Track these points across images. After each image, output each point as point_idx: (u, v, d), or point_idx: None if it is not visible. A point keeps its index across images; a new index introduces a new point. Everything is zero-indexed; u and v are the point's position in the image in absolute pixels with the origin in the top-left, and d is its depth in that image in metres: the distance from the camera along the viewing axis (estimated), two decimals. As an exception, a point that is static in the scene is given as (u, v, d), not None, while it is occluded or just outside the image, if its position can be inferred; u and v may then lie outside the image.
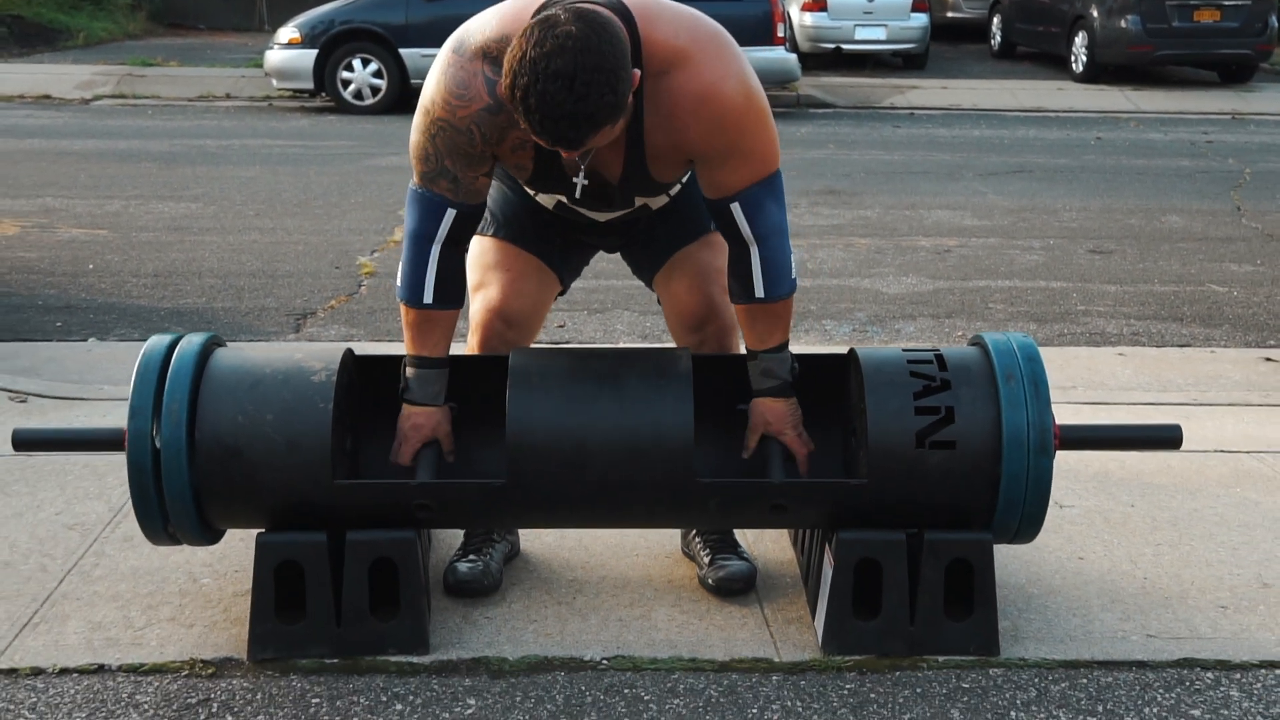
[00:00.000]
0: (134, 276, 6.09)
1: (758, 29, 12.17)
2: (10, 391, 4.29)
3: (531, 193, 2.74)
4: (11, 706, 2.37)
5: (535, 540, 3.08)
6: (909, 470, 2.51)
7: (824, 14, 15.93)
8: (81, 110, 12.70)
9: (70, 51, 16.95)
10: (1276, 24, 15.07)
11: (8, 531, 3.11)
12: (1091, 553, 3.07)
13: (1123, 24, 14.76)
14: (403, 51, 12.37)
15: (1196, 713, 2.39)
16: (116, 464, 3.53)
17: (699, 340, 2.85)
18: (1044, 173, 9.54)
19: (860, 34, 15.91)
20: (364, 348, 3.79)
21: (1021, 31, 17.32)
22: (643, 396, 2.54)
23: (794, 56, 13.18)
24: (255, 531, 2.65)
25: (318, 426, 2.48)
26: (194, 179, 8.68)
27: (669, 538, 3.09)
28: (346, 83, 12.47)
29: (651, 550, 3.05)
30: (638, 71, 2.28)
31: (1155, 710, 2.40)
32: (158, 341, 2.58)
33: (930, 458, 2.50)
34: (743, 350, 2.78)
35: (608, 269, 5.59)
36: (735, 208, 2.50)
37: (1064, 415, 4.16)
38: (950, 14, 19.19)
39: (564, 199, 2.65)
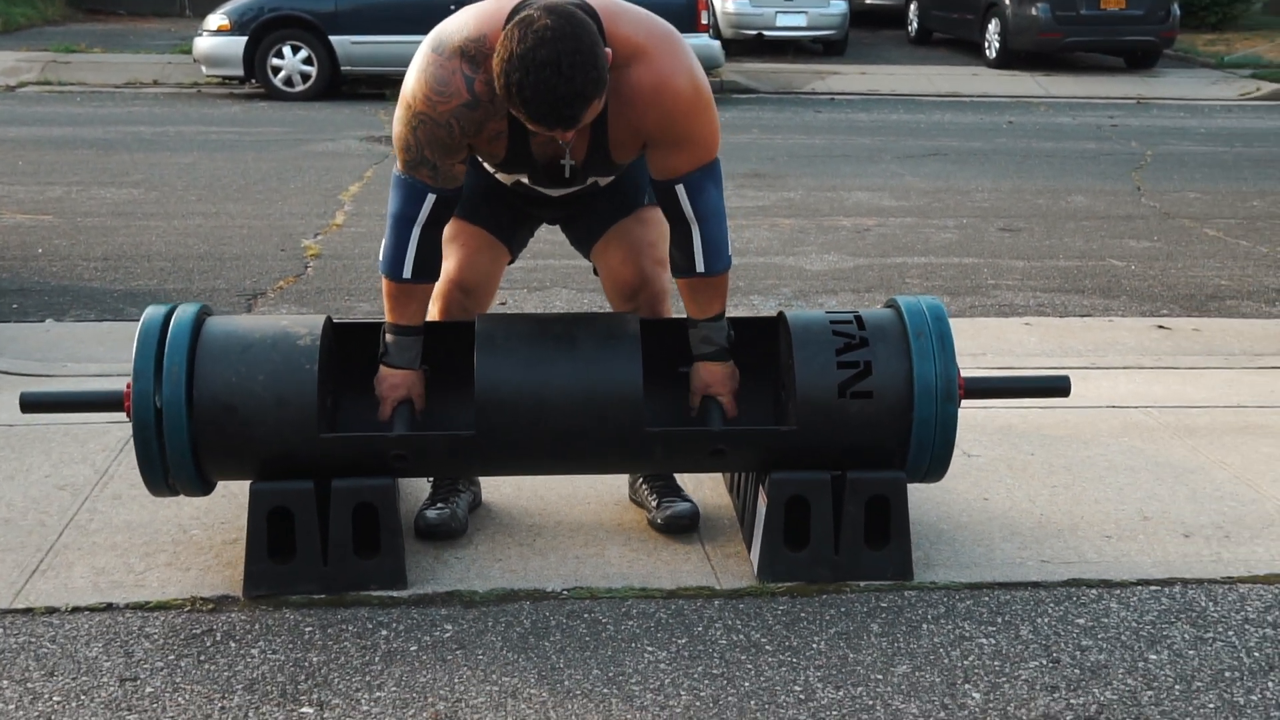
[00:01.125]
0: (84, 260, 6.27)
1: (682, 15, 12.47)
2: (-22, 369, 4.48)
3: (493, 172, 3.02)
4: (33, 639, 2.62)
5: (495, 491, 3.38)
6: (832, 418, 2.84)
7: (746, 1, 16.30)
8: (8, 97, 12.69)
9: (-9, 37, 16.83)
10: (1178, 11, 15.71)
11: (2, 492, 3.34)
12: (995, 494, 3.44)
13: (1033, 12, 15.30)
14: (332, 39, 12.51)
15: (1081, 621, 2.76)
16: (97, 431, 3.78)
17: (633, 307, 3.16)
18: (958, 155, 9.98)
19: (781, 20, 16.29)
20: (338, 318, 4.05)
21: (937, 19, 17.83)
22: (596, 355, 2.85)
23: (718, 43, 13.52)
24: (243, 485, 2.92)
25: (304, 385, 2.76)
26: (132, 165, 8.81)
27: (618, 487, 3.40)
28: (277, 69, 12.59)
29: (602, 499, 3.37)
30: (609, 50, 2.56)
31: (1046, 620, 2.76)
32: (155, 311, 2.83)
33: (851, 406, 2.84)
34: (679, 316, 3.09)
35: (546, 249, 5.88)
36: (680, 189, 2.80)
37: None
38: (869, 1, 19.66)
39: (524, 179, 2.94)
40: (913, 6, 18.55)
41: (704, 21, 12.95)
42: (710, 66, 13.58)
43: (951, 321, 5.46)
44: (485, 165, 3.01)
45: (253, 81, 12.79)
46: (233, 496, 3.25)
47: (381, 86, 12.88)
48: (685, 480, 3.39)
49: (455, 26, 2.70)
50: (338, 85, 12.70)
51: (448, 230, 3.07)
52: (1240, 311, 5.82)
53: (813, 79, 14.95)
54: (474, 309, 3.12)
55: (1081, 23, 15.32)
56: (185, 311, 2.83)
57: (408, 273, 2.83)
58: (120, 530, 3.13)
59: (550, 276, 6.02)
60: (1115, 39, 15.76)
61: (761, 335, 3.13)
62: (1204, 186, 8.86)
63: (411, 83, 2.71)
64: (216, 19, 12.74)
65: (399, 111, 2.75)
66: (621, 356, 2.85)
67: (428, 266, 2.85)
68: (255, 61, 12.55)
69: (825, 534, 2.91)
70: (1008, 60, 15.86)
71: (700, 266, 2.87)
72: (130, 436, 3.69)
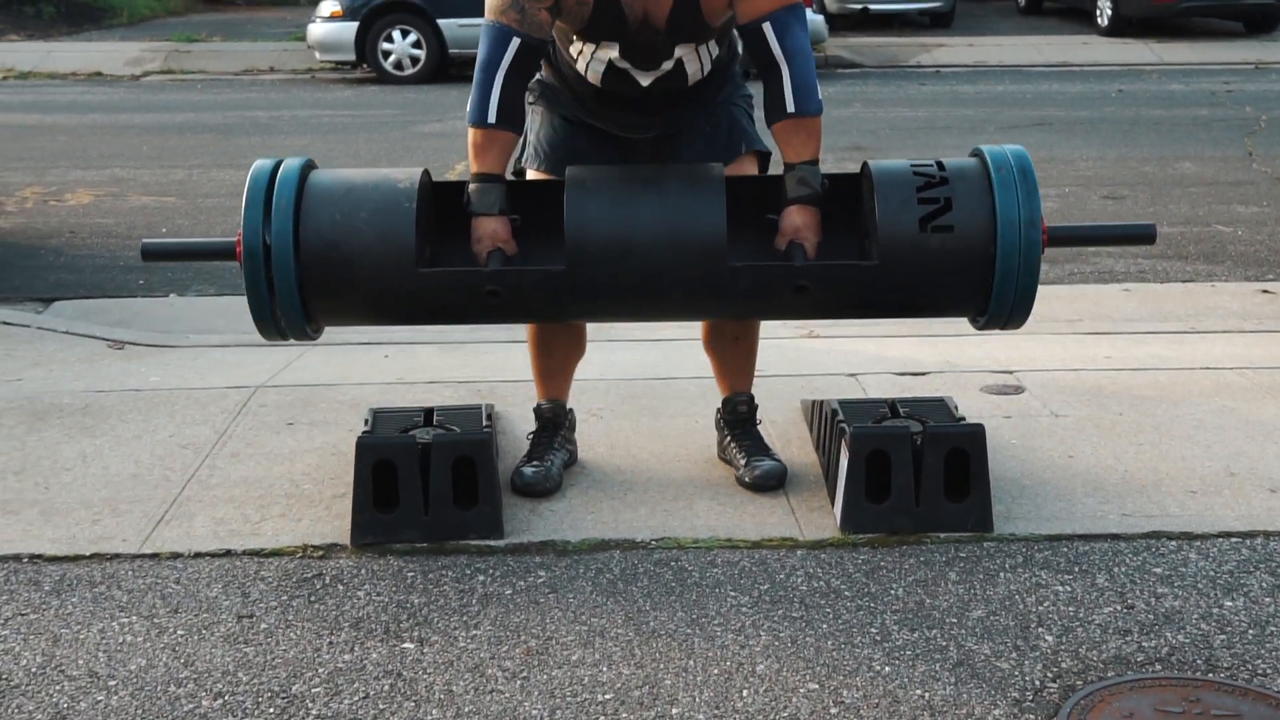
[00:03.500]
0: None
1: None
2: (109, 340, 4.75)
3: (582, 66, 3.09)
4: (159, 581, 2.83)
5: (590, 450, 3.51)
6: (914, 252, 2.88)
7: (850, -25, 16.21)
8: (134, 86, 13.20)
9: (116, 29, 17.49)
10: (1301, -27, 15.25)
11: (131, 450, 3.57)
12: (1080, 452, 3.48)
13: (1147, -24, 14.97)
14: (440, 22, 12.77)
15: (1159, 570, 2.80)
16: (217, 395, 4.00)
17: None
18: (1063, 125, 9.86)
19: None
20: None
21: (1047, -13, 17.53)
22: (681, 194, 2.96)
23: (821, 18, 13.51)
24: (351, 443, 3.10)
25: (404, 222, 2.88)
26: (250, 148, 9.13)
27: (707, 445, 3.51)
28: (387, 54, 12.90)
29: (692, 456, 3.48)
30: None
31: (1123, 569, 2.81)
32: (263, 162, 2.97)
33: (932, 240, 2.87)
34: (766, 175, 3.21)
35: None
36: (766, 27, 2.90)
37: (1070, 344, 4.58)
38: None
39: (614, 56, 3.01)
40: (1022, -25, 18.26)
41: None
42: (815, 41, 13.51)
43: (1050, 288, 5.52)
44: (573, 52, 3.07)
45: (364, 66, 13.13)
46: (341, 455, 3.43)
47: (488, 68, 13.09)
48: (773, 439, 3.49)
49: None
50: (446, 68, 12.97)
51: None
52: (1349, 275, 5.72)
53: (918, 52, 14.83)
54: None
55: (1198, -14, 14.97)
56: (292, 161, 2.98)
57: (492, 117, 2.91)
58: (238, 485, 3.33)
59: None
60: (1234, 3, 15.35)
61: (846, 191, 3.15)
62: (1320, 151, 8.66)
63: None
64: (329, 5, 13.09)
65: None
66: (706, 196, 2.94)
67: (512, 112, 2.94)
68: (366, 46, 12.88)
69: (906, 486, 2.99)
70: (1120, 27, 15.55)
71: (791, 106, 2.94)
72: (247, 396, 3.92)
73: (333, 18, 12.97)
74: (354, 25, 12.83)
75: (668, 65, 3.05)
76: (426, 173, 3.04)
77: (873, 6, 16.25)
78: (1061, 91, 11.90)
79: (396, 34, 12.88)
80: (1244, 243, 6.30)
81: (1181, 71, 13.31)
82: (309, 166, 2.99)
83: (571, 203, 2.92)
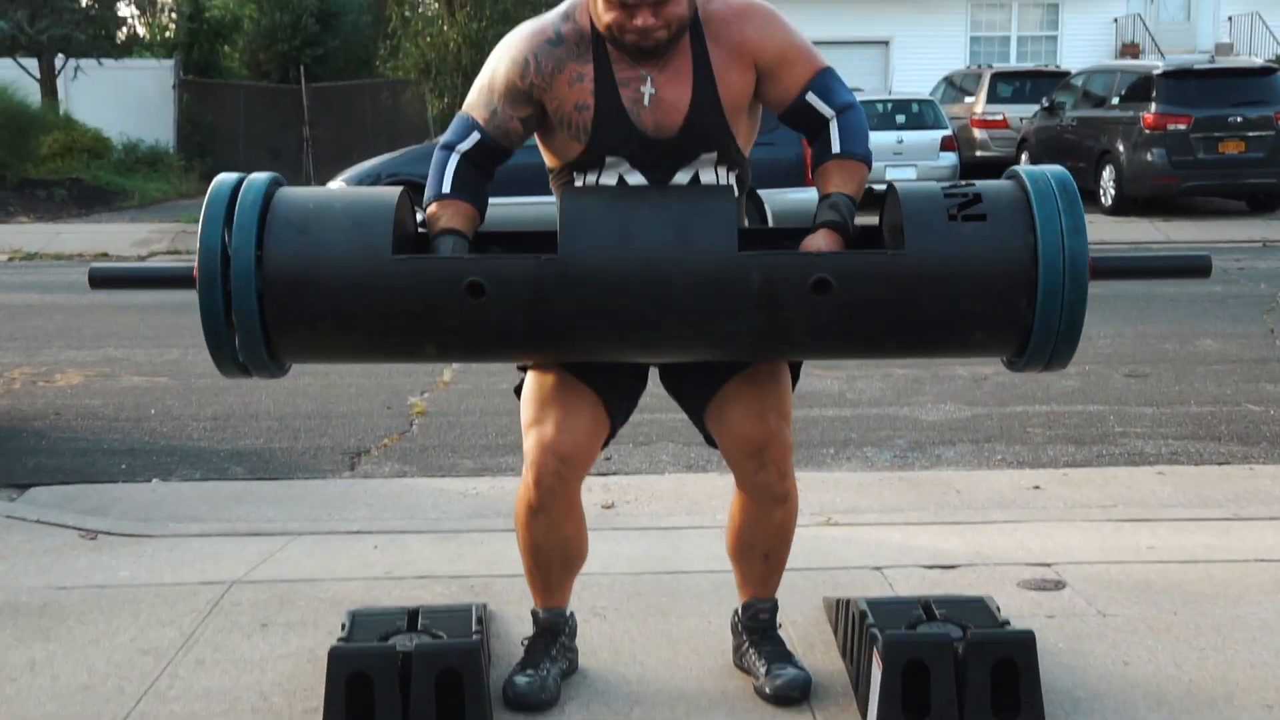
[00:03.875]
0: (194, 420, 6.31)
1: (790, 171, 12.48)
2: (82, 530, 4.46)
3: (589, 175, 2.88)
4: (97, 816, 2.48)
5: (591, 657, 3.18)
6: (946, 240, 2.57)
7: (854, 156, 16.35)
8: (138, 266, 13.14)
9: (126, 211, 17.60)
10: (1300, 153, 15.33)
11: (86, 656, 3.24)
12: (1136, 658, 3.14)
13: (1149, 157, 15.04)
14: (447, 202, 12.77)
15: (1244, 805, 2.45)
16: (189, 592, 3.69)
17: (758, 465, 2.89)
18: (1077, 301, 9.68)
19: (891, 174, 16.26)
20: (441, 473, 3.92)
21: (1049, 167, 17.65)
22: (686, 191, 2.76)
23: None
24: (326, 647, 2.78)
25: (382, 209, 2.63)
26: (248, 327, 8.96)
27: (723, 651, 3.18)
28: (392, 233, 12.87)
29: (705, 664, 3.15)
30: None
31: (1203, 803, 2.46)
32: (226, 177, 2.69)
33: (964, 229, 2.58)
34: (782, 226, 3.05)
35: (651, 403, 5.74)
36: (810, 96, 2.78)
37: (1105, 532, 4.27)
38: (979, 153, 19.60)
39: (626, 163, 2.79)
40: (1024, 156, 18.42)
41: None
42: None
43: (1080, 472, 5.23)
44: (585, 155, 2.86)
45: (369, 245, 13.09)
46: (318, 661, 3.09)
47: (494, 247, 13.07)
48: (794, 643, 3.16)
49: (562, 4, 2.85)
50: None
51: (548, 388, 2.90)
52: (1394, 457, 5.43)
53: (924, 230, 14.83)
54: (569, 478, 2.86)
55: (1200, 167, 15.00)
56: (259, 174, 2.73)
57: (447, 188, 2.77)
58: (199, 698, 2.99)
59: (657, 430, 5.87)
60: (1235, 182, 15.39)
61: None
62: (1342, 328, 8.46)
63: (502, 39, 2.83)
64: (335, 185, 13.14)
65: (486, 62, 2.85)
66: (713, 195, 2.72)
67: (468, 186, 2.79)
68: (372, 226, 12.85)
69: (948, 702, 2.65)
70: (1124, 207, 15.57)
71: (836, 147, 2.78)
72: (218, 596, 3.60)
73: (339, 198, 13.00)
74: (360, 205, 12.84)
75: (687, 164, 2.84)
76: (408, 192, 2.80)
77: (877, 186, 16.27)
78: (1071, 269, 11.79)
79: (402, 214, 12.88)
80: (1277, 423, 6.03)
81: (1190, 249, 13.24)
82: (277, 181, 2.73)
83: (568, 197, 2.70)
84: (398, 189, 2.72)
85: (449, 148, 2.81)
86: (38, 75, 20.64)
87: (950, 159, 16.52)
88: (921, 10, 25.09)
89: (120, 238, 14.73)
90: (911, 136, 16.53)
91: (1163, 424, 6.04)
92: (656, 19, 2.64)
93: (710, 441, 3.01)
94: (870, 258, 2.63)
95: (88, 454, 5.71)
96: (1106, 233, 14.49)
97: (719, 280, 2.56)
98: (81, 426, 6.20)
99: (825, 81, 2.79)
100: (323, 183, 14.50)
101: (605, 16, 2.67)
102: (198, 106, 23.16)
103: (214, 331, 2.60)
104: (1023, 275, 2.56)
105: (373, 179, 12.95)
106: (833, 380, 7.02)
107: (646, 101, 2.75)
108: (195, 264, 2.58)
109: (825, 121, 2.79)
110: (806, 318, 2.60)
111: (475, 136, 2.79)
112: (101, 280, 2.80)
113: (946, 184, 2.70)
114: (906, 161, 16.27)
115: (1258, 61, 16.45)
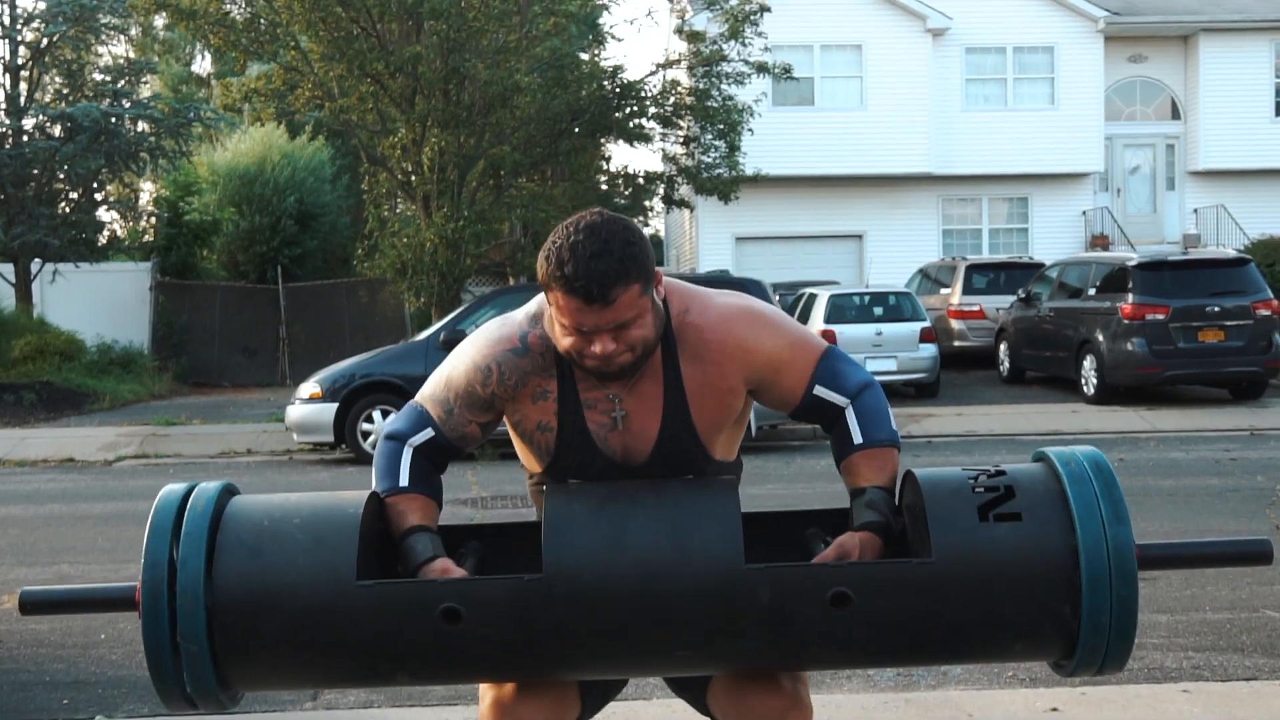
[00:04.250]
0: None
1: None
2: (8, 782, 4.02)
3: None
4: None
5: None
6: (977, 546, 2.31)
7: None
8: (104, 472, 12.79)
9: (96, 414, 17.30)
10: (1280, 340, 15.35)
11: None
12: None
13: (1129, 347, 15.01)
14: (422, 402, 12.55)
15: None
16: None
17: None
18: (1072, 497, 9.41)
19: (871, 366, 16.19)
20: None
21: (1029, 357, 17.64)
22: (683, 490, 2.44)
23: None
24: None
25: (346, 526, 2.35)
26: (212, 538, 8.58)
27: None
28: (366, 434, 12.60)
29: None
30: (660, 270, 2.43)
31: None
32: (173, 488, 2.46)
33: (996, 530, 2.31)
34: (790, 509, 2.78)
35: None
36: (819, 390, 2.50)
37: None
38: (957, 343, 19.64)
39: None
40: (1003, 346, 18.43)
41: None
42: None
43: (1098, 691, 4.85)
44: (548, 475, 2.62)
45: (343, 447, 12.80)
46: None
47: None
48: None
49: (531, 303, 2.61)
50: (427, 448, 12.64)
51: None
52: None
53: (908, 423, 14.65)
54: None
55: (1180, 356, 14.97)
56: (209, 484, 2.48)
57: (405, 480, 2.48)
58: None
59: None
60: (1217, 371, 15.33)
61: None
62: (1348, 522, 8.18)
63: (471, 334, 2.59)
64: (309, 387, 12.92)
65: (445, 360, 2.60)
66: (713, 491, 2.41)
67: (424, 479, 2.51)
68: (346, 426, 12.59)
69: None
70: (1107, 396, 15.48)
71: (858, 437, 2.48)
72: None
73: (312, 399, 12.75)
74: (333, 406, 12.59)
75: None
76: (376, 495, 2.53)
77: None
78: (1061, 462, 11.56)
79: (377, 414, 12.64)
80: (1300, 630, 5.69)
81: (1178, 439, 13.07)
82: (229, 490, 2.47)
83: (553, 500, 2.40)
84: (364, 495, 2.47)
85: (399, 439, 2.55)
86: (13, 280, 20.58)
87: (930, 350, 16.48)
88: (894, 205, 25.53)
89: (88, 442, 14.40)
90: (890, 329, 16.51)
91: (1179, 633, 5.69)
92: (618, 343, 2.37)
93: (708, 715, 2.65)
94: (894, 567, 2.37)
95: (26, 688, 5.27)
96: (1092, 422, 14.35)
97: (723, 597, 2.31)
98: (24, 655, 5.76)
99: (831, 367, 2.53)
100: (298, 380, 14.26)
101: (563, 342, 2.42)
102: (174, 307, 23.12)
103: (158, 657, 2.32)
104: (1065, 576, 2.32)
105: (348, 378, 12.77)
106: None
107: (619, 426, 2.50)
108: (139, 582, 2.33)
109: (840, 410, 2.53)
110: (822, 633, 2.34)
111: (429, 433, 2.55)
112: (34, 605, 2.52)
113: (971, 470, 2.45)
114: (886, 353, 16.22)
115: (1231, 252, 16.60)
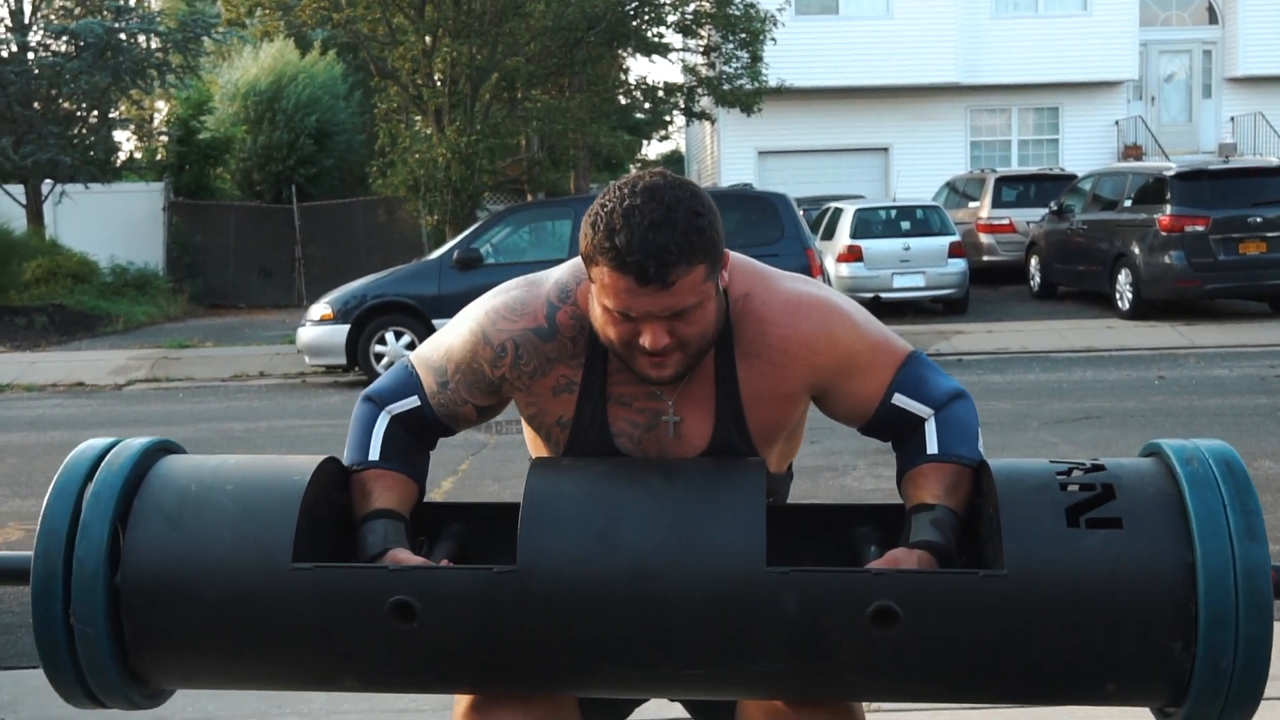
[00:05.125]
0: None
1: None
2: (-22, 736, 3.73)
3: None
4: None
5: None
6: (1062, 556, 1.85)
7: (860, 264, 15.87)
8: (113, 397, 12.52)
9: (109, 337, 17.03)
10: (1323, 254, 14.78)
11: None
12: None
13: (1167, 260, 14.49)
14: (436, 322, 12.17)
15: None
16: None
17: None
18: (1113, 418, 9.01)
19: (899, 282, 15.77)
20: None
21: (1061, 271, 17.14)
22: (700, 471, 2.02)
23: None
24: None
25: (287, 498, 1.97)
26: (217, 466, 8.29)
27: None
28: (379, 356, 12.28)
29: None
30: (729, 252, 2.02)
31: None
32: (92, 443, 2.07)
33: (1088, 540, 1.86)
34: (826, 502, 2.34)
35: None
36: (899, 399, 2.08)
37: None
38: (986, 257, 19.12)
39: None
40: (1034, 260, 17.92)
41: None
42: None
43: None
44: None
45: (356, 369, 12.48)
46: None
47: (486, 369, 12.47)
48: None
49: (563, 267, 2.15)
50: (442, 370, 12.32)
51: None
52: None
53: (937, 339, 14.23)
54: None
55: (1220, 269, 14.44)
56: (136, 440, 2.08)
57: (375, 453, 2.11)
58: None
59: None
60: (1258, 284, 14.81)
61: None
62: None
63: (485, 296, 2.14)
64: (320, 308, 12.57)
65: (452, 322, 2.17)
66: (735, 473, 2.00)
67: (401, 453, 2.13)
68: (358, 349, 12.26)
69: None
70: (1143, 311, 15.00)
71: (933, 447, 2.06)
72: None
73: (323, 321, 12.41)
74: (345, 328, 12.25)
75: None
76: (336, 460, 2.13)
77: (884, 295, 15.79)
78: (1098, 379, 11.14)
79: (390, 335, 12.30)
80: (1369, 562, 5.30)
81: (1218, 355, 12.61)
82: (164, 448, 2.08)
83: (537, 477, 1.99)
84: (317, 459, 2.07)
85: (376, 403, 2.16)
86: (23, 201, 20.23)
87: (960, 265, 16.00)
88: (921, 117, 24.84)
89: (98, 366, 14.12)
90: (918, 243, 16.02)
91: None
92: (670, 336, 1.93)
93: None
94: (954, 580, 1.89)
95: (10, 630, 4.99)
96: (1128, 338, 13.90)
97: (738, 606, 1.85)
98: (8, 596, 5.47)
99: (916, 373, 2.10)
100: (315, 299, 13.90)
101: (608, 331, 1.98)
102: (188, 228, 22.77)
103: (50, 643, 1.94)
104: (1176, 602, 1.85)
105: (359, 299, 12.42)
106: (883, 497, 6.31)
107: (672, 432, 2.08)
108: (32, 553, 1.95)
109: (920, 421, 2.09)
110: (861, 657, 1.86)
111: (413, 402, 2.14)
112: None
113: (1061, 464, 2.00)
114: (914, 269, 15.76)
115: (1273, 160, 15.96)
